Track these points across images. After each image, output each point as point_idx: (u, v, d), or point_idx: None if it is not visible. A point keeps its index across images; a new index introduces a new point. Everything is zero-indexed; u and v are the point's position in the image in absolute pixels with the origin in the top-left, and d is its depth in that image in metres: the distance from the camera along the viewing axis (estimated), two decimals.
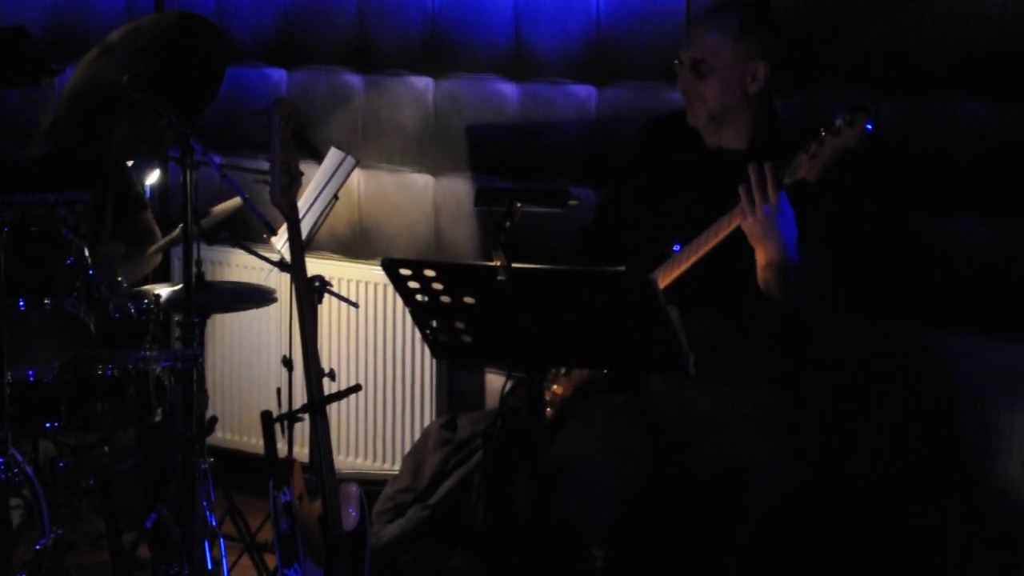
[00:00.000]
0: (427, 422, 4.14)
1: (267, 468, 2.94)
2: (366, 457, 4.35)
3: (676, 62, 3.06)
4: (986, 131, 3.43)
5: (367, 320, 4.28)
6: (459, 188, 4.19)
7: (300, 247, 3.00)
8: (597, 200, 3.12)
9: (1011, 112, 3.40)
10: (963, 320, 3.47)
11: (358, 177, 4.35)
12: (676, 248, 2.91)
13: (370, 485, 3.80)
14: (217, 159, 3.57)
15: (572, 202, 2.85)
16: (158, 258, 4.05)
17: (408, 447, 4.01)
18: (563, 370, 3.03)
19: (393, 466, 4.21)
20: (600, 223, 3.20)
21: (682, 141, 3.10)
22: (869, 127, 2.64)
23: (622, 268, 2.51)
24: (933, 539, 3.44)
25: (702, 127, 3.06)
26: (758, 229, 2.76)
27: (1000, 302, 3.44)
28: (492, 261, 2.62)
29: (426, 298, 2.61)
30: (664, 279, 2.87)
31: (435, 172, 4.26)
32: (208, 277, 3.78)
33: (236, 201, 3.64)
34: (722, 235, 2.82)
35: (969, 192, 3.46)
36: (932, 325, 3.49)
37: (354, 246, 4.41)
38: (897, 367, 3.50)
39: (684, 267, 2.86)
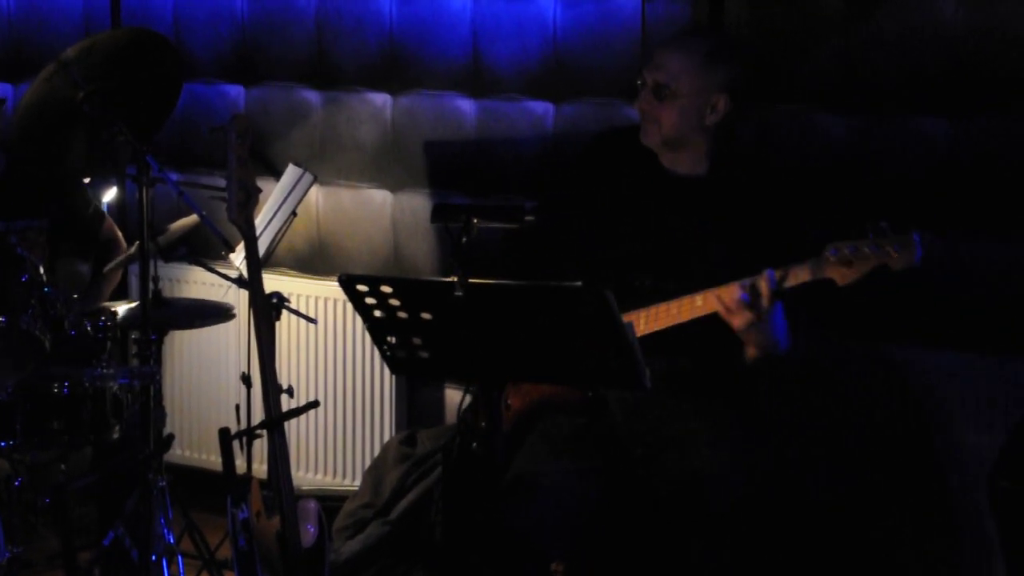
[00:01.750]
0: (387, 437, 4.14)
1: (225, 485, 2.93)
2: (326, 473, 4.34)
3: (639, 82, 3.06)
4: (938, 147, 3.47)
5: (326, 336, 4.27)
6: (417, 204, 4.20)
7: (257, 264, 3.00)
8: (544, 206, 3.12)
9: (963, 129, 3.45)
10: (917, 333, 3.51)
11: (316, 193, 4.35)
12: (648, 283, 2.93)
13: (330, 501, 3.80)
14: (174, 176, 3.57)
15: (528, 217, 2.85)
16: (118, 276, 4.03)
17: (368, 463, 4.00)
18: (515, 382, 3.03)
19: (353, 482, 4.20)
20: (541, 231, 3.20)
21: (635, 157, 3.11)
22: (920, 254, 2.70)
23: (579, 283, 2.51)
24: (898, 554, 3.47)
25: (654, 148, 3.07)
26: (750, 329, 2.81)
27: (956, 316, 3.48)
28: (450, 277, 2.63)
29: (383, 314, 2.61)
30: (641, 328, 2.88)
31: (393, 188, 4.27)
32: (166, 294, 3.76)
33: (193, 218, 3.64)
34: (696, 314, 2.84)
35: (922, 207, 3.51)
36: (888, 340, 3.53)
37: (313, 262, 4.40)
38: (856, 382, 3.54)
39: (656, 327, 2.87)
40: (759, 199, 2.99)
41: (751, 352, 2.87)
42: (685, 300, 2.88)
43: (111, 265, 3.84)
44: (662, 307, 2.91)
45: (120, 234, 4.06)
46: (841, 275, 2.72)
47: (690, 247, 2.97)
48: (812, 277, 2.76)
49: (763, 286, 2.77)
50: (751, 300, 2.78)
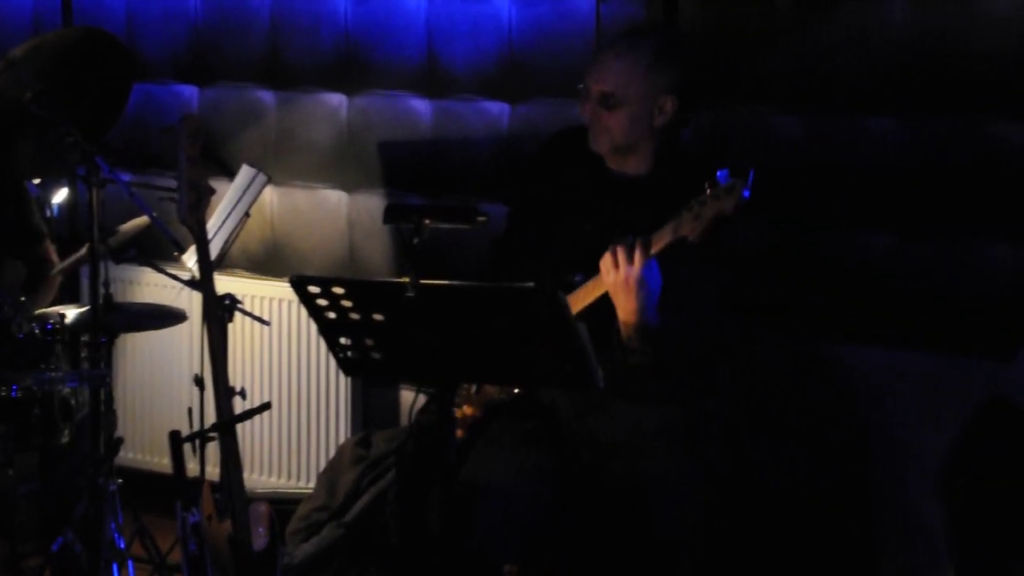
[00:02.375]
0: (342, 439, 4.12)
1: (175, 488, 2.90)
2: (280, 476, 4.31)
3: (580, 86, 3.05)
4: (890, 147, 3.49)
5: (280, 338, 4.25)
6: (373, 204, 4.18)
7: (209, 265, 2.98)
8: (508, 210, 3.12)
9: (914, 129, 3.47)
10: (868, 333, 3.53)
11: (271, 194, 4.32)
12: (578, 278, 2.93)
13: (284, 504, 3.77)
14: (127, 177, 3.54)
15: (480, 218, 2.85)
16: (58, 280, 3.99)
17: (323, 465, 3.98)
18: (473, 390, 3.03)
19: (308, 484, 4.18)
20: (511, 233, 3.21)
21: (584, 157, 3.11)
22: (746, 194, 2.73)
23: (530, 284, 2.51)
24: (842, 550, 3.49)
25: (604, 155, 3.07)
26: (618, 290, 2.84)
27: (905, 315, 3.50)
28: (403, 278, 2.62)
29: (336, 315, 2.60)
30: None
31: (349, 189, 4.25)
32: (118, 295, 3.72)
33: (144, 219, 3.60)
34: (597, 294, 2.86)
35: (874, 207, 3.53)
36: (838, 339, 3.55)
37: (267, 263, 4.38)
38: (804, 381, 3.55)
39: (577, 309, 2.88)
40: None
41: (625, 330, 2.88)
42: (586, 287, 2.92)
43: (60, 266, 3.80)
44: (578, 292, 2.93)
45: (56, 259, 4.00)
46: (691, 229, 2.78)
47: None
48: (673, 236, 2.81)
49: (620, 250, 2.81)
50: (615, 261, 2.81)
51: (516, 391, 3.03)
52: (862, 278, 3.54)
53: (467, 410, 3.01)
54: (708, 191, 2.76)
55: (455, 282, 2.52)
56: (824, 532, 3.50)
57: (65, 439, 3.48)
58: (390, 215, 2.86)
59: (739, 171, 2.76)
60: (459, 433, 3.00)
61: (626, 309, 2.86)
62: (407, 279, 2.50)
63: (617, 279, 2.83)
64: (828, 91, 3.55)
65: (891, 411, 3.48)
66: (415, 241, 2.70)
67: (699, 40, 3.64)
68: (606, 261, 2.85)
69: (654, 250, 2.83)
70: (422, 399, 3.05)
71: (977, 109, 3.40)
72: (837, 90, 3.54)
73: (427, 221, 2.74)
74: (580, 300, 2.89)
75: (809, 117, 3.58)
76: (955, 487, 3.11)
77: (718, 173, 2.76)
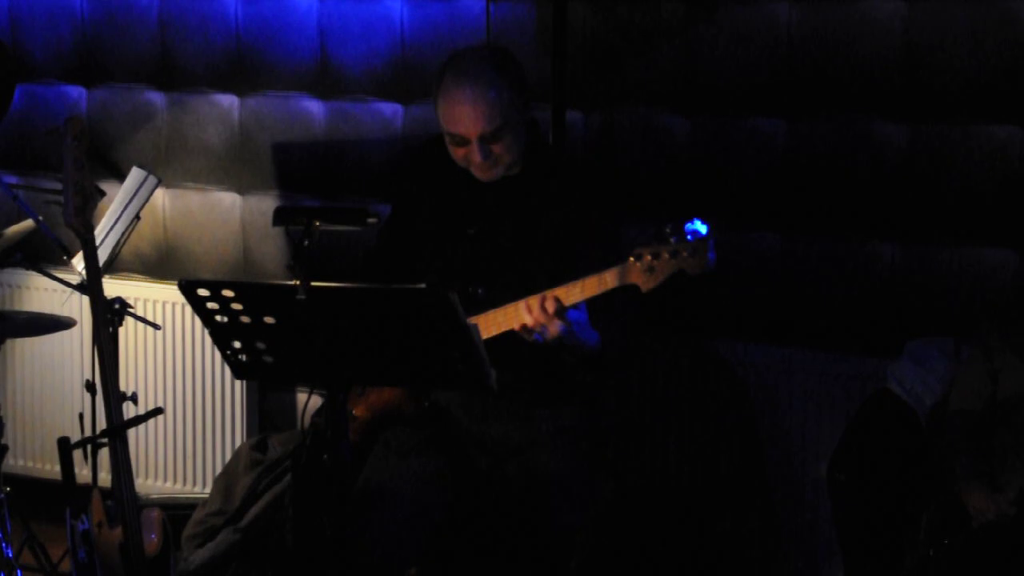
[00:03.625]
0: (238, 443, 4.09)
1: (64, 496, 2.86)
2: (175, 481, 4.27)
3: (450, 139, 2.93)
4: (775, 146, 3.56)
5: (173, 342, 4.20)
6: (267, 206, 4.15)
7: (97, 269, 2.94)
8: (382, 223, 3.08)
9: (799, 129, 3.54)
10: (758, 330, 3.60)
11: (163, 196, 4.27)
12: (480, 291, 2.90)
13: (179, 509, 3.74)
14: (11, 179, 3.47)
15: (371, 220, 2.84)
16: None
17: (219, 469, 3.95)
18: (360, 391, 3.02)
19: (204, 489, 4.14)
20: (384, 244, 3.19)
21: (455, 162, 3.08)
22: (712, 257, 2.62)
23: (422, 285, 2.51)
24: (738, 543, 3.55)
25: (496, 180, 3.03)
26: (548, 342, 2.76)
27: (793, 312, 3.58)
28: (292, 280, 2.60)
29: (226, 319, 2.58)
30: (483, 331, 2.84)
31: (242, 190, 4.21)
32: (5, 301, 3.65)
33: (29, 223, 3.54)
34: (508, 327, 2.80)
35: (761, 206, 3.59)
36: (726, 336, 3.61)
37: (161, 266, 4.33)
38: (695, 380, 3.61)
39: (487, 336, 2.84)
40: (573, 197, 3.00)
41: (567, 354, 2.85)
42: (492, 313, 2.84)
43: None
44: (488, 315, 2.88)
45: None
46: (644, 281, 2.67)
47: (510, 249, 2.98)
48: (619, 283, 2.70)
49: (549, 307, 2.72)
50: (544, 318, 2.72)
51: (425, 404, 3.00)
52: (750, 276, 3.61)
53: (356, 412, 3.00)
54: (657, 243, 2.66)
55: (347, 284, 2.52)
56: (723, 528, 3.56)
57: None
58: (280, 217, 2.84)
59: (698, 233, 2.63)
60: (350, 436, 2.99)
61: (567, 350, 2.81)
62: (297, 281, 2.49)
63: (545, 336, 2.75)
64: (715, 92, 3.61)
65: (782, 407, 3.54)
66: (305, 243, 2.69)
67: (588, 40, 3.68)
68: (523, 324, 2.74)
69: (586, 295, 2.73)
70: (316, 401, 3.04)
71: (860, 109, 3.48)
72: (725, 91, 3.60)
73: (317, 223, 2.72)
74: (490, 326, 2.84)
75: (696, 117, 3.63)
76: (837, 480, 3.18)
77: (667, 225, 2.65)
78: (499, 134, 2.90)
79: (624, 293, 2.75)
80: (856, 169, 3.50)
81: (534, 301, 2.73)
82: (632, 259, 2.67)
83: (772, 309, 3.59)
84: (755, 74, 3.56)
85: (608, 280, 2.71)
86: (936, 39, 3.38)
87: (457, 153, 2.95)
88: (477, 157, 2.92)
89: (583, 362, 2.84)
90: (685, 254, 2.63)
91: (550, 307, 2.72)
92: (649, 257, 2.66)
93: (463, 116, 2.90)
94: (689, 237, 2.63)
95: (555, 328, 2.72)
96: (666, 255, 2.65)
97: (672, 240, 2.64)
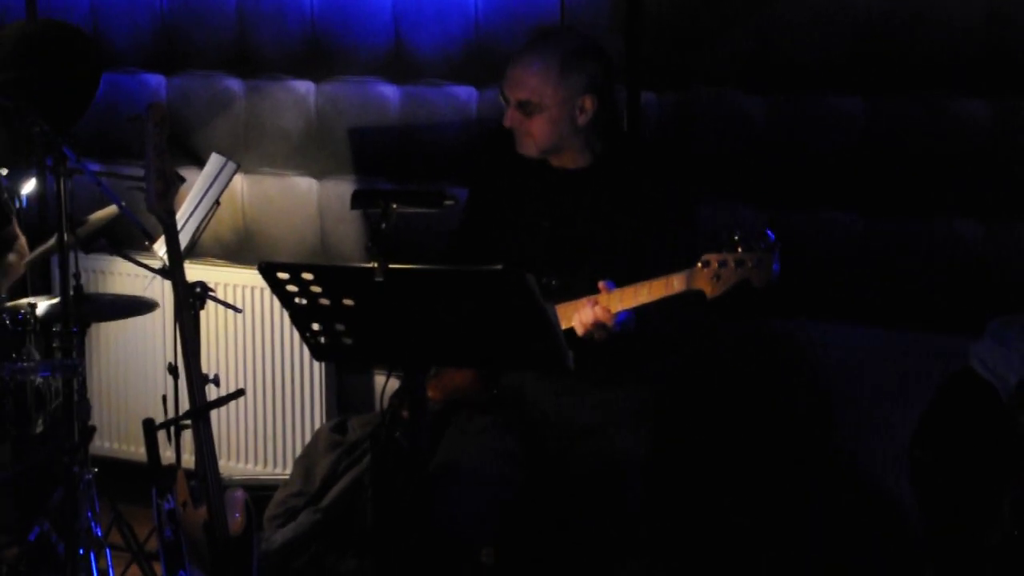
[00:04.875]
0: (317, 425, 4.13)
1: (150, 476, 2.91)
2: (256, 462, 4.33)
3: (502, 97, 3.03)
4: (853, 125, 3.52)
5: (252, 325, 4.26)
6: (343, 191, 4.19)
7: (179, 254, 2.99)
8: (464, 204, 3.13)
9: (878, 106, 3.50)
10: (835, 310, 3.57)
11: (241, 182, 4.32)
12: (554, 283, 2.93)
13: (261, 490, 3.78)
14: (95, 166, 3.53)
15: (448, 202, 2.86)
16: (23, 268, 3.98)
17: (299, 451, 4.00)
18: (432, 373, 3.05)
19: (284, 471, 4.19)
20: (467, 227, 3.21)
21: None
22: (776, 269, 2.67)
23: (499, 266, 2.53)
24: (814, 524, 3.53)
25: (533, 157, 3.06)
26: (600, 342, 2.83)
27: (870, 292, 3.54)
28: (370, 262, 2.63)
29: (305, 301, 2.61)
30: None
31: (318, 175, 4.25)
32: (89, 285, 3.72)
33: (113, 209, 3.60)
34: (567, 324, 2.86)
35: (838, 185, 3.56)
36: (804, 316, 3.58)
37: (239, 251, 4.38)
38: (771, 360, 3.59)
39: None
40: (649, 189, 3.00)
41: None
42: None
43: (29, 257, 3.80)
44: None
45: (23, 238, 4.00)
46: (711, 288, 2.72)
47: (584, 241, 2.99)
48: (686, 287, 2.75)
49: (602, 317, 2.79)
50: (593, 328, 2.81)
51: (494, 391, 3.03)
52: (828, 256, 3.57)
53: (429, 394, 3.03)
54: (726, 251, 2.70)
55: (424, 266, 2.54)
56: (794, 508, 3.54)
57: (39, 429, 3.48)
58: (358, 200, 2.88)
59: (767, 243, 2.68)
60: None
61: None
62: (376, 264, 2.51)
63: (596, 338, 2.83)
64: (791, 71, 3.57)
65: (860, 387, 3.51)
66: (383, 226, 2.71)
67: (662, 21, 3.67)
68: (585, 318, 2.82)
69: (652, 298, 2.79)
70: (394, 383, 3.06)
71: (940, 85, 3.43)
72: (801, 70, 3.56)
73: (394, 206, 2.75)
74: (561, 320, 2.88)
75: (772, 97, 3.60)
76: (918, 459, 3.15)
77: (736, 233, 2.70)
78: (529, 110, 2.96)
79: (686, 301, 2.78)
80: (936, 146, 3.45)
81: (587, 312, 2.79)
82: (700, 265, 2.72)
83: (851, 289, 3.56)
84: (832, 51, 3.52)
85: (675, 284, 2.76)
86: (1020, 11, 3.32)
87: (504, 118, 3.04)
88: (507, 120, 3.01)
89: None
90: (750, 264, 2.67)
91: (602, 316, 2.79)
92: (716, 264, 2.71)
93: (508, 75, 3.02)
94: (762, 245, 2.65)
95: (602, 335, 2.79)
96: (732, 264, 2.69)
97: (740, 249, 2.66)
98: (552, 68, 2.95)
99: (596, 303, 2.81)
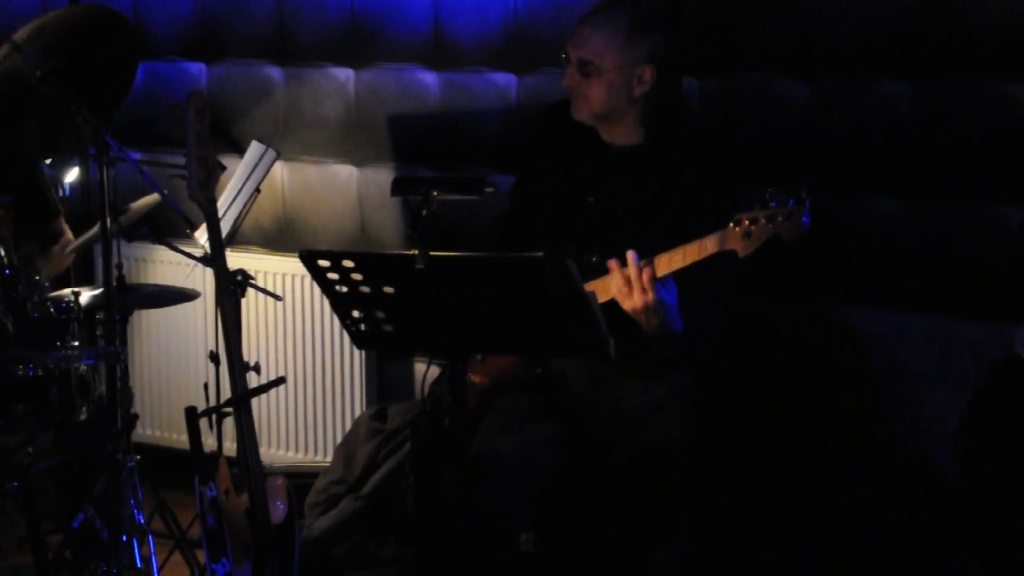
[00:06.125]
0: (357, 413, 4.14)
1: (192, 464, 2.92)
2: (297, 450, 4.34)
3: (563, 56, 3.06)
4: (898, 110, 3.48)
5: (293, 313, 4.27)
6: (382, 178, 4.19)
7: (220, 241, 2.99)
8: (510, 188, 3.12)
9: (923, 91, 3.46)
10: (880, 298, 3.53)
11: (281, 170, 4.33)
12: (596, 259, 2.92)
13: (301, 478, 3.79)
14: (136, 155, 3.54)
15: (488, 189, 2.86)
16: (70, 257, 4.01)
17: (339, 439, 4.01)
18: (479, 358, 3.04)
19: (325, 458, 4.20)
20: (515, 211, 3.22)
21: (575, 130, 3.11)
22: (807, 222, 2.65)
23: (539, 253, 2.52)
24: (862, 511, 3.50)
25: (587, 123, 3.07)
26: (637, 314, 2.80)
27: (916, 279, 3.50)
28: (411, 250, 2.63)
29: (346, 289, 2.61)
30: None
31: (358, 163, 4.25)
32: (131, 274, 3.74)
33: (155, 197, 3.62)
34: (608, 297, 2.83)
35: (883, 171, 3.52)
36: (850, 303, 3.55)
37: (280, 239, 4.39)
38: (816, 347, 3.56)
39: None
40: (693, 169, 2.99)
41: (646, 331, 2.85)
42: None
43: (73, 245, 3.82)
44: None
45: (69, 232, 4.03)
46: (742, 247, 2.71)
47: (629, 219, 2.98)
48: (719, 248, 2.74)
49: (645, 275, 2.76)
50: (628, 288, 2.77)
51: (538, 370, 3.03)
52: (873, 243, 3.54)
53: (475, 379, 3.02)
54: (758, 208, 2.69)
55: (465, 253, 2.53)
56: (843, 494, 3.51)
57: (83, 416, 3.51)
58: (398, 187, 2.87)
59: (796, 197, 2.67)
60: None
61: (648, 326, 2.83)
62: (416, 251, 2.51)
63: (633, 305, 2.79)
64: (835, 55, 3.53)
65: (906, 374, 3.48)
66: (423, 213, 2.71)
67: (704, 7, 3.64)
68: (617, 283, 2.79)
69: (688, 262, 2.77)
70: (435, 371, 3.06)
71: (988, 69, 3.38)
72: (844, 54, 3.52)
73: (435, 192, 2.75)
74: (601, 293, 2.85)
75: (816, 82, 3.57)
76: (965, 447, 3.12)
77: (768, 190, 2.69)
78: (588, 71, 2.97)
79: (713, 269, 2.75)
80: (981, 131, 3.40)
81: (629, 257, 2.75)
82: (732, 224, 2.70)
83: (896, 275, 3.52)
84: (876, 35, 3.48)
85: (708, 246, 2.74)
86: None
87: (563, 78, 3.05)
88: (565, 78, 3.04)
89: (663, 341, 2.84)
90: (780, 218, 2.65)
91: (645, 276, 2.75)
92: (747, 222, 2.69)
93: (574, 31, 3.04)
94: (789, 202, 2.62)
95: (642, 296, 2.73)
96: (763, 220, 2.67)
97: (772, 205, 2.65)
98: (619, 32, 2.98)
99: (641, 265, 2.77)
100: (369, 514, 3.60)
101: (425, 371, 2.96)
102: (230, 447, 3.49)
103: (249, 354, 3.97)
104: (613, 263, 2.79)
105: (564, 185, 3.08)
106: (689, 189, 2.96)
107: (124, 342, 3.50)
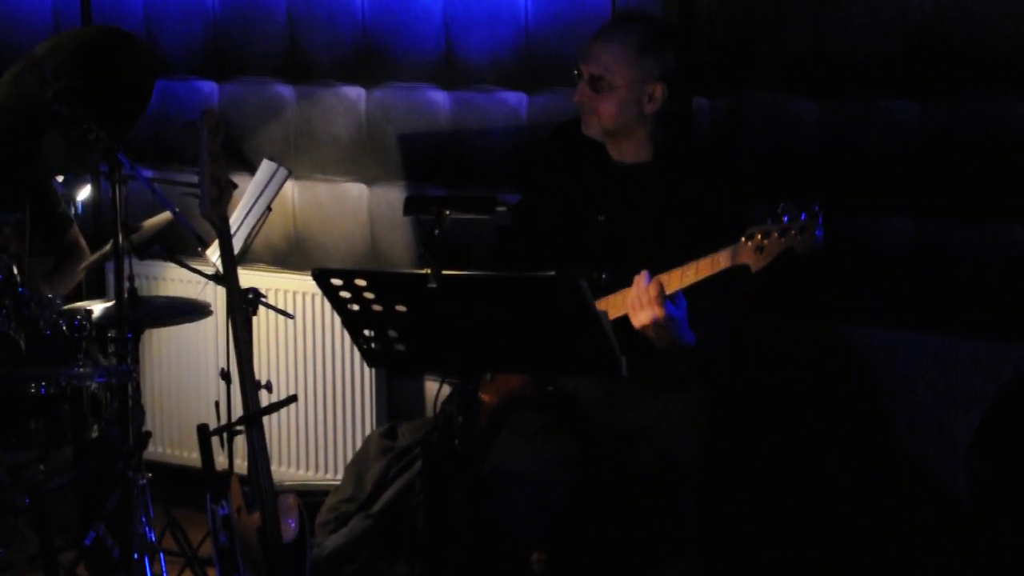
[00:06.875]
0: (368, 431, 4.14)
1: (205, 482, 2.93)
2: (307, 468, 4.34)
3: (575, 72, 3.07)
4: (908, 130, 3.48)
5: (304, 331, 4.27)
6: (393, 197, 4.20)
7: (232, 259, 3.00)
8: (516, 202, 3.13)
9: (933, 110, 3.46)
10: (889, 317, 3.53)
11: (292, 188, 4.34)
12: (605, 276, 2.94)
13: (312, 496, 3.79)
14: (149, 173, 3.55)
15: (500, 208, 2.86)
16: (82, 273, 4.02)
17: (349, 457, 4.00)
18: (489, 377, 3.04)
19: (335, 477, 4.21)
20: (517, 225, 3.22)
21: (585, 148, 3.13)
22: (820, 235, 2.65)
23: (551, 273, 2.52)
24: (868, 530, 3.50)
25: (597, 139, 3.08)
26: (647, 330, 2.82)
27: (926, 297, 3.50)
28: (424, 269, 2.63)
29: (358, 307, 2.62)
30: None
31: (369, 181, 4.26)
32: (143, 291, 3.74)
33: (167, 215, 3.63)
34: (620, 313, 2.84)
35: (893, 190, 3.52)
36: (859, 322, 3.54)
37: (290, 257, 4.40)
38: (825, 365, 3.55)
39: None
40: (702, 187, 3.00)
41: (657, 345, 2.86)
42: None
43: (85, 263, 3.83)
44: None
45: (84, 242, 4.05)
46: (754, 261, 2.71)
47: (638, 236, 2.99)
48: (731, 263, 2.75)
49: (652, 291, 2.77)
50: (645, 299, 2.78)
51: (549, 388, 3.03)
52: (883, 261, 3.54)
53: (485, 398, 3.02)
54: (771, 222, 2.70)
55: (477, 272, 2.54)
56: (852, 511, 3.50)
57: (95, 434, 3.51)
58: (410, 207, 2.88)
59: (809, 211, 2.67)
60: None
61: (659, 341, 2.85)
62: (428, 270, 2.51)
63: (642, 322, 2.80)
64: (845, 74, 3.54)
65: (914, 393, 3.47)
66: (436, 232, 2.72)
67: (716, 24, 3.65)
68: (630, 301, 2.81)
69: (700, 276, 2.78)
70: (446, 390, 3.07)
71: (998, 89, 3.39)
72: (855, 73, 3.53)
73: (447, 212, 2.75)
74: (611, 310, 2.87)
75: (826, 101, 3.57)
76: (976, 468, 3.11)
77: (780, 204, 2.70)
78: (599, 86, 2.99)
79: (723, 287, 2.76)
80: (991, 150, 3.41)
81: (640, 279, 2.75)
82: (744, 239, 2.70)
83: (905, 294, 3.52)
84: (886, 54, 3.48)
85: (721, 261, 2.75)
86: None
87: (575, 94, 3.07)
88: (576, 94, 3.05)
89: (675, 354, 2.85)
90: (793, 232, 2.65)
91: (652, 291, 2.76)
92: (760, 236, 2.69)
93: (585, 48, 3.07)
94: (802, 216, 2.62)
95: (651, 312, 2.74)
96: (775, 234, 2.68)
97: (784, 219, 2.65)
98: (630, 49, 3.00)
99: (649, 281, 2.78)
100: (380, 532, 3.60)
101: (437, 390, 2.96)
102: (241, 464, 3.49)
103: (260, 372, 3.97)
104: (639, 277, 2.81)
105: (574, 203, 3.09)
106: (697, 206, 2.97)
107: (136, 360, 3.50)
